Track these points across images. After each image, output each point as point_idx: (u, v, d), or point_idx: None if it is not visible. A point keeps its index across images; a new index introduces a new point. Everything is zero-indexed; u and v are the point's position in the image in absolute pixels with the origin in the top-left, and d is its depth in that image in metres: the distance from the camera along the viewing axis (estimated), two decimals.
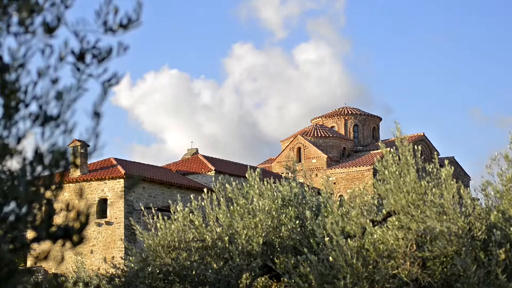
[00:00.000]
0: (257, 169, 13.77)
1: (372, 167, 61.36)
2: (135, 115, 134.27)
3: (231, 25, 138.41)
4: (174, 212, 14.04)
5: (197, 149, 63.83)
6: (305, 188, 14.16)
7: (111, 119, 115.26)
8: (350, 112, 73.17)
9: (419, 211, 10.18)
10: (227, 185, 13.71)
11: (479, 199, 11.09)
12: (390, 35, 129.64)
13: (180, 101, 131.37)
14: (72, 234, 3.14)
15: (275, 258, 12.67)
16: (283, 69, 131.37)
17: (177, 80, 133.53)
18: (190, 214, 13.79)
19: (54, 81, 3.19)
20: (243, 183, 13.72)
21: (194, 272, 13.23)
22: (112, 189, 43.14)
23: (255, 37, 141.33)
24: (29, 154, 3.17)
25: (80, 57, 3.22)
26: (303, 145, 67.43)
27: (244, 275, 13.19)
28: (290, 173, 14.56)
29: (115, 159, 45.66)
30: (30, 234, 3.23)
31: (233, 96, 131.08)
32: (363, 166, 63.15)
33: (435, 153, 11.04)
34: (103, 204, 43.53)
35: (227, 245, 12.83)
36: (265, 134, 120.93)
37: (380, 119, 75.38)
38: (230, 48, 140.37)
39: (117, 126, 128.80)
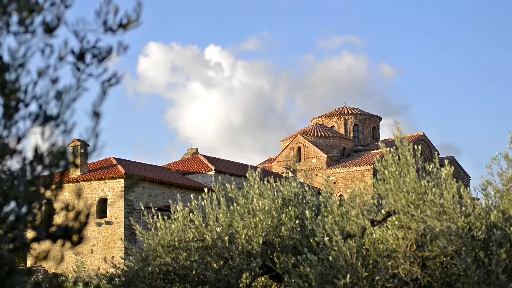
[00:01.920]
0: (258, 169, 13.77)
1: (372, 167, 61.38)
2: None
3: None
4: (174, 212, 14.04)
5: (197, 149, 63.91)
6: (305, 187, 14.16)
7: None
8: (350, 111, 73.18)
9: (419, 211, 10.18)
10: (227, 185, 13.71)
11: (479, 198, 11.09)
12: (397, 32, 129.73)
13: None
14: (71, 234, 3.13)
15: (275, 258, 12.67)
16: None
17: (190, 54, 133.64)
18: (190, 214, 13.79)
19: (54, 81, 3.19)
20: (244, 183, 13.73)
21: (194, 272, 13.23)
22: (112, 189, 43.13)
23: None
24: (29, 154, 3.17)
25: (80, 56, 3.22)
26: (303, 144, 67.42)
27: (244, 275, 13.19)
28: (290, 172, 14.60)
29: (115, 158, 45.67)
30: (30, 234, 3.23)
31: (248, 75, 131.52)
32: (363, 166, 63.15)
33: (435, 152, 11.05)
34: (103, 204, 43.53)
35: (227, 245, 12.83)
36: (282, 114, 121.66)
37: (380, 118, 75.40)
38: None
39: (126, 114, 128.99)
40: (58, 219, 3.14)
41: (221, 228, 13.11)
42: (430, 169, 10.56)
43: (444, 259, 10.32)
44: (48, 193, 3.20)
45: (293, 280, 10.92)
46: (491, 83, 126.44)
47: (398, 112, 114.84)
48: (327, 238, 10.61)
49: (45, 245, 3.22)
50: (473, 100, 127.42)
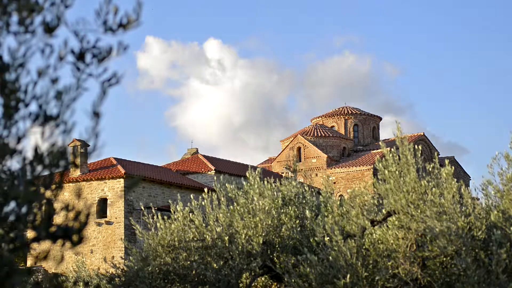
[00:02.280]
0: (258, 169, 13.77)
1: (372, 166, 61.39)
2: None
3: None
4: (174, 212, 14.04)
5: (197, 148, 63.92)
6: (305, 187, 14.16)
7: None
8: (350, 111, 73.19)
9: (419, 211, 10.17)
10: (227, 185, 13.71)
11: (479, 198, 11.09)
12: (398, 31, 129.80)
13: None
14: (71, 234, 3.13)
15: (275, 258, 12.67)
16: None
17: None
18: (190, 214, 13.78)
19: (54, 81, 3.19)
20: (244, 183, 13.72)
21: (194, 272, 13.22)
22: (112, 189, 43.13)
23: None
24: (29, 154, 3.17)
25: (80, 56, 3.21)
26: (303, 144, 67.41)
27: (244, 275, 13.18)
28: (290, 172, 14.63)
29: (115, 158, 45.66)
30: (30, 234, 3.22)
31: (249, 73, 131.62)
32: (363, 165, 63.15)
33: (435, 152, 11.04)
34: (103, 203, 43.52)
35: (227, 245, 12.83)
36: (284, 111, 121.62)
37: (380, 118, 75.40)
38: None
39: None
40: (58, 219, 3.14)
41: (221, 228, 13.11)
42: (430, 169, 10.55)
43: (444, 259, 10.31)
44: (48, 193, 3.20)
45: (293, 280, 10.92)
46: (498, 81, 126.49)
47: (403, 111, 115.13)
48: (327, 238, 10.61)
49: (45, 245, 3.21)
50: (479, 99, 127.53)
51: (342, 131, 71.68)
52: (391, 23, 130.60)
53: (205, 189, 14.11)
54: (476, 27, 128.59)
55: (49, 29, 3.17)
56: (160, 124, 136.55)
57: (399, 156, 10.75)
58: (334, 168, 64.54)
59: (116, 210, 42.87)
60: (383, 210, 10.87)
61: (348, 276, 10.08)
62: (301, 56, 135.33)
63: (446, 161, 10.87)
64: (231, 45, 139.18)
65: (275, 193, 13.28)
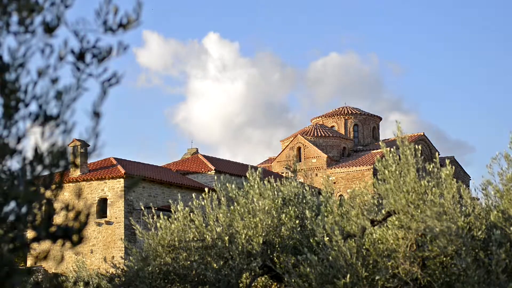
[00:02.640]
0: (258, 169, 13.77)
1: (372, 166, 61.40)
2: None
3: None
4: (174, 212, 14.03)
5: (197, 148, 63.97)
6: (305, 187, 14.15)
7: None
8: (350, 111, 73.20)
9: (419, 211, 10.17)
10: (227, 185, 13.70)
11: (479, 198, 11.10)
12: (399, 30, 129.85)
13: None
14: (71, 234, 3.13)
15: (275, 258, 12.67)
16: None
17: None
18: (190, 214, 13.78)
19: (54, 81, 3.19)
20: (244, 183, 13.72)
21: (194, 272, 13.22)
22: (112, 189, 43.12)
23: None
24: (29, 154, 3.17)
25: (80, 56, 3.21)
26: (303, 144, 67.41)
27: (244, 275, 13.18)
28: (290, 172, 14.62)
29: (115, 158, 45.66)
30: (30, 234, 3.22)
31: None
32: (363, 165, 63.16)
33: (436, 152, 11.04)
34: (103, 203, 43.52)
35: (227, 245, 12.82)
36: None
37: (380, 118, 75.41)
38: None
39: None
40: (58, 219, 3.14)
41: (221, 228, 13.10)
42: (430, 169, 10.55)
43: (444, 259, 10.31)
44: (48, 193, 3.20)
45: (293, 280, 10.92)
46: (498, 81, 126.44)
47: (405, 110, 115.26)
48: (327, 238, 10.61)
49: (45, 245, 3.21)
50: (480, 98, 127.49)
51: (342, 131, 71.68)
52: (392, 22, 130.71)
53: (206, 189, 14.11)
54: (476, 27, 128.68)
55: (49, 29, 3.17)
56: (160, 122, 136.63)
57: (399, 156, 10.75)
58: (334, 168, 64.55)
59: (116, 210, 42.87)
60: (383, 210, 10.87)
61: (348, 276, 10.08)
62: (303, 55, 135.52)
63: (447, 161, 10.87)
64: (232, 44, 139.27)
65: (275, 193, 13.27)
